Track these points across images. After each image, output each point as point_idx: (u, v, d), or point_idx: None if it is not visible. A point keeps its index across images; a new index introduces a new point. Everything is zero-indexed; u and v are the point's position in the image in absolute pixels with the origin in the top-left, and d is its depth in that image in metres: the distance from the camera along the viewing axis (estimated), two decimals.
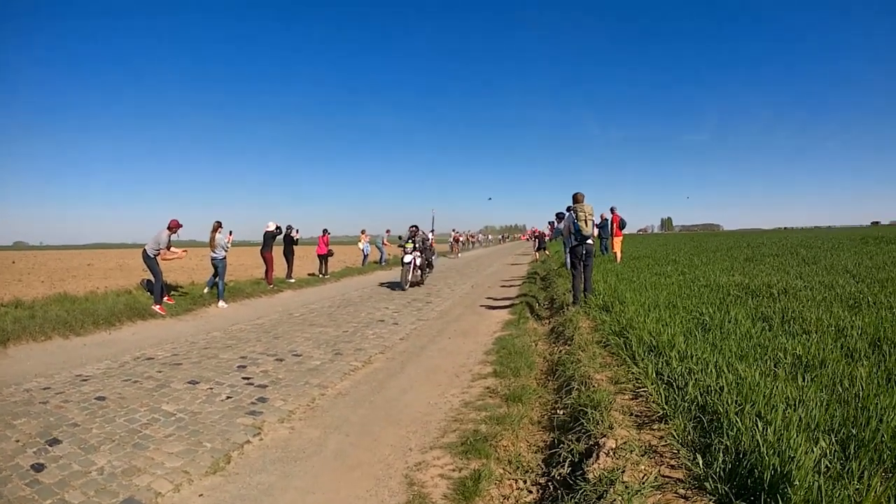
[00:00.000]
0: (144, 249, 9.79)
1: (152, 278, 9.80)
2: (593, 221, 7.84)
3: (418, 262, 13.94)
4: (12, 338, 7.02)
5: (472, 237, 50.56)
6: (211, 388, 4.91)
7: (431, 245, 15.13)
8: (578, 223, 7.67)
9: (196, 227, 14.59)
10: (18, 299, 9.54)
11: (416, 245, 13.94)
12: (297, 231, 14.90)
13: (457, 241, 34.21)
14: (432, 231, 27.85)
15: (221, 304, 10.43)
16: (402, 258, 13.88)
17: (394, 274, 17.61)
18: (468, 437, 3.55)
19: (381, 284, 14.78)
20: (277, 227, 13.75)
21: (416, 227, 14.26)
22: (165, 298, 9.87)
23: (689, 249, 21.11)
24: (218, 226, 10.87)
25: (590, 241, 7.82)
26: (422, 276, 14.31)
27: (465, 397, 4.57)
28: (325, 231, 16.74)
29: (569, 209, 11.16)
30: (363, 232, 21.16)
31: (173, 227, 9.86)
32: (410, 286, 13.53)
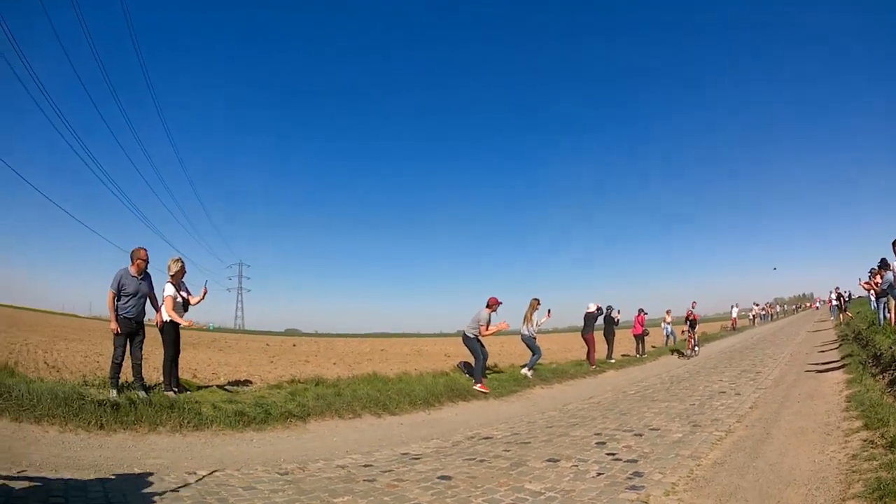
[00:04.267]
0: (464, 332, 10.09)
1: (472, 360, 9.96)
2: None
3: None
4: (314, 414, 7.01)
5: (771, 307, 50.28)
6: (576, 465, 4.83)
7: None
8: None
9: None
10: (320, 377, 9.48)
11: None
12: (619, 312, 15.34)
13: (693, 322, 18.23)
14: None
15: (525, 370, 10.90)
16: None
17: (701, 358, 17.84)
18: (878, 484, 3.70)
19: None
20: (598, 308, 14.10)
21: None
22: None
23: None
24: (536, 304, 11.37)
25: None
26: None
27: (847, 451, 4.75)
28: (640, 311, 17.32)
29: (882, 261, 10.84)
30: (668, 312, 21.41)
31: (492, 304, 10.08)
32: None
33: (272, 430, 6.35)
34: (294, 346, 31.57)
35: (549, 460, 5.02)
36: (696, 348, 18.06)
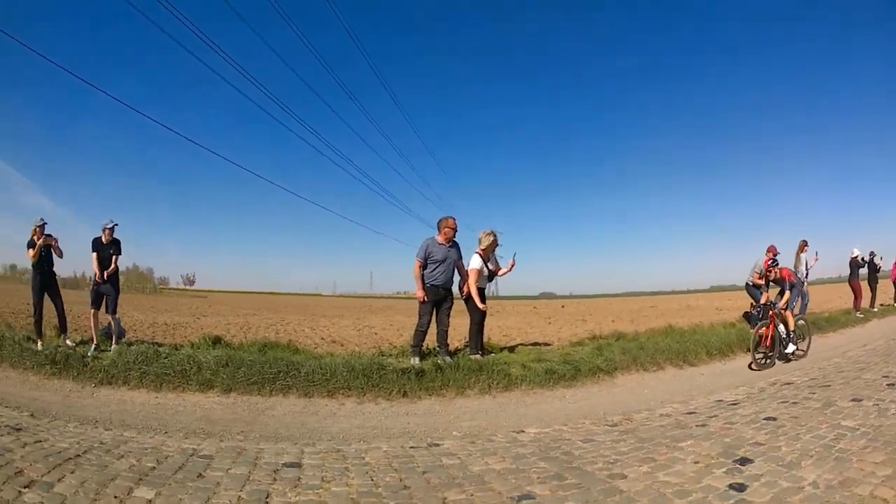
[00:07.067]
0: (747, 282, 10.39)
1: (753, 308, 10.00)
2: None
3: None
4: (620, 368, 7.10)
5: None
6: (877, 405, 4.91)
7: None
8: None
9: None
10: (619, 332, 9.93)
11: None
12: (881, 258, 14.67)
13: (783, 285, 9.18)
14: None
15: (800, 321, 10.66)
16: None
17: None
18: None
19: None
20: (861, 257, 13.81)
21: None
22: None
23: None
24: (804, 245, 11.50)
25: None
26: None
27: None
28: None
29: None
30: None
31: (771, 251, 10.07)
32: None
33: (581, 386, 6.45)
34: (563, 307, 32.47)
35: (853, 400, 5.15)
36: (793, 346, 8.46)
